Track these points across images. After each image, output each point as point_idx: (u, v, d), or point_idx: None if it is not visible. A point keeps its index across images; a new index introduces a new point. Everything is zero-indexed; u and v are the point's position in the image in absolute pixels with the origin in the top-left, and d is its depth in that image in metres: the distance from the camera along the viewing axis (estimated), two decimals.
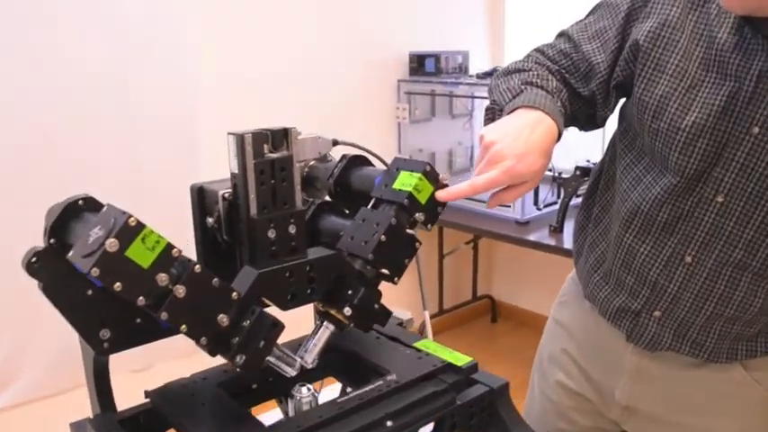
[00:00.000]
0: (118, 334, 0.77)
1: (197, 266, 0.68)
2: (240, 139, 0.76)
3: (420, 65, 2.88)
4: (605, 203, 1.11)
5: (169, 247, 0.66)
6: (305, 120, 2.56)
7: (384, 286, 0.84)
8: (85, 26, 2.06)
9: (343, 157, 0.96)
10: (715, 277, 0.98)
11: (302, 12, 2.60)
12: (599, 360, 1.15)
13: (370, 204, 0.88)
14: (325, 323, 0.83)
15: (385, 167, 0.91)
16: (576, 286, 1.20)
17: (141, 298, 0.65)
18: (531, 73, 1.02)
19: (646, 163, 1.00)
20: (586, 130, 1.12)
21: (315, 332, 0.83)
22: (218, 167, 0.87)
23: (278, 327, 0.74)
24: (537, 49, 1.10)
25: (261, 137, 0.78)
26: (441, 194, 0.85)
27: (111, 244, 0.62)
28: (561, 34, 1.08)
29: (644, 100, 0.97)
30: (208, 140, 2.26)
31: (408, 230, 0.85)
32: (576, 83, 1.04)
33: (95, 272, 0.61)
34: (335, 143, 0.88)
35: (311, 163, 0.98)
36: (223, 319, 0.70)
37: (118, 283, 0.63)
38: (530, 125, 0.91)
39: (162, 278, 0.65)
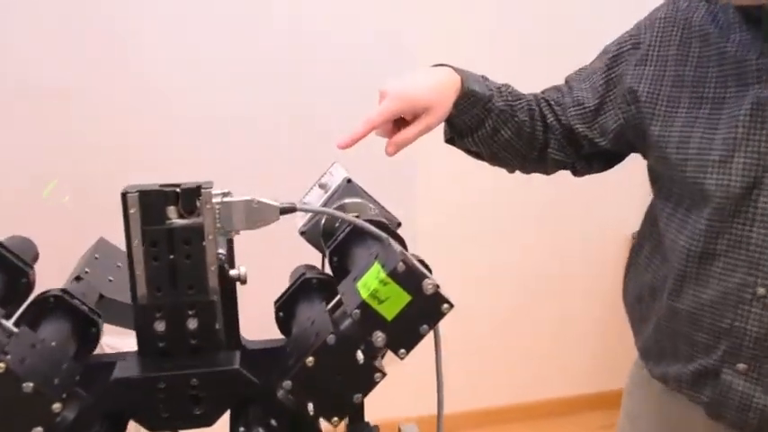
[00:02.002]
0: None
1: (1, 364, 0.52)
2: (123, 198, 0.57)
3: None
4: (656, 269, 1.00)
5: None
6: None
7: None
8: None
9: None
10: None
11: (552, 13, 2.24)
12: None
13: (333, 302, 0.63)
14: None
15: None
16: (641, 370, 1.07)
17: None
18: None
19: (686, 205, 0.94)
20: (578, 170, 1.10)
21: None
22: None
23: None
24: (543, 90, 1.10)
25: (157, 196, 0.58)
26: (339, 142, 0.85)
27: None
28: (565, 80, 1.09)
29: (664, 137, 0.94)
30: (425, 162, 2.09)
31: (359, 355, 0.58)
32: (558, 109, 1.05)
33: None
34: (286, 211, 0.63)
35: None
36: None
37: None
38: (425, 69, 0.96)
39: None
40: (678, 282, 0.92)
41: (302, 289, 0.72)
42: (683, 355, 0.95)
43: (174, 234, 0.58)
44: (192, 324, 0.59)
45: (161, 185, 0.59)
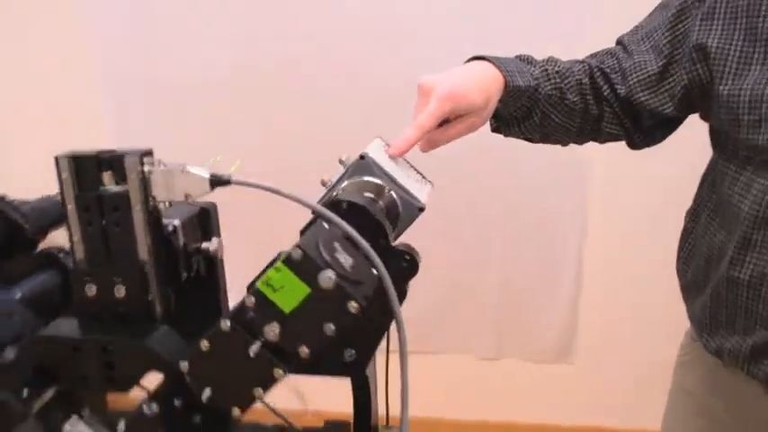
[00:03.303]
0: None
1: None
2: (56, 162, 0.58)
3: None
4: (712, 236, 0.93)
5: None
6: None
7: None
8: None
9: (334, 203, 0.65)
10: None
11: None
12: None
13: None
14: None
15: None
16: (694, 341, 1.02)
17: None
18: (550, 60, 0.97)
19: (752, 167, 0.85)
20: (636, 144, 1.00)
21: None
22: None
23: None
24: (592, 54, 1.00)
25: (87, 163, 0.58)
26: (391, 151, 0.80)
27: None
28: (617, 41, 0.99)
29: (733, 96, 0.84)
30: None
31: (253, 347, 0.52)
32: (616, 78, 0.95)
33: None
34: (218, 182, 0.58)
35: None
36: None
37: None
38: (466, 66, 0.90)
39: None
40: (740, 250, 0.86)
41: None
42: (740, 327, 0.89)
43: (103, 200, 0.58)
44: (120, 292, 0.59)
45: (98, 152, 0.58)
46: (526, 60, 0.95)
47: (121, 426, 0.55)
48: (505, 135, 0.98)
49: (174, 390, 0.55)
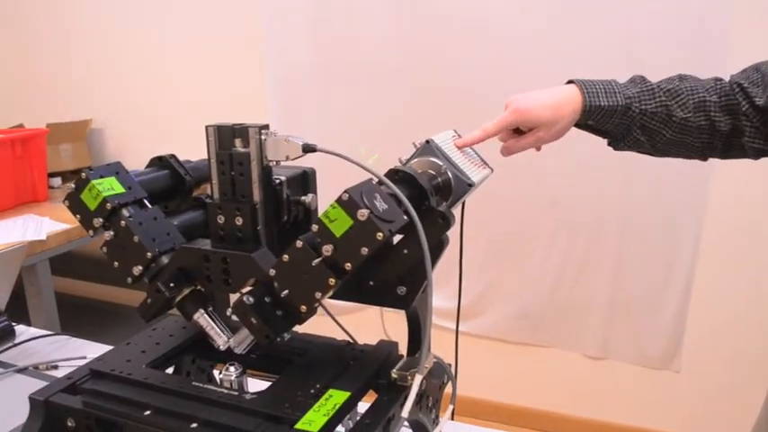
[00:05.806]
0: None
1: (123, 221, 0.86)
2: (206, 130, 0.85)
3: None
4: None
5: (105, 200, 0.86)
6: None
7: None
8: None
9: (392, 171, 0.87)
10: None
11: None
12: None
13: None
14: None
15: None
16: None
17: (90, 231, 0.89)
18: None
19: None
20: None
21: None
22: None
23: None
24: (743, 69, 1.04)
25: (226, 131, 0.84)
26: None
27: (70, 187, 0.88)
28: None
29: None
30: None
31: (317, 262, 0.75)
32: (755, 91, 0.99)
33: (66, 203, 0.89)
34: (307, 149, 0.81)
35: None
36: (136, 269, 0.86)
37: (77, 215, 0.89)
38: (550, 88, 1.02)
39: (97, 221, 0.87)
40: None
41: None
42: None
43: (233, 158, 0.84)
44: (238, 221, 0.85)
45: (233, 124, 0.85)
46: (634, 81, 1.03)
47: (229, 309, 0.80)
48: (616, 149, 1.09)
49: (266, 290, 0.80)
